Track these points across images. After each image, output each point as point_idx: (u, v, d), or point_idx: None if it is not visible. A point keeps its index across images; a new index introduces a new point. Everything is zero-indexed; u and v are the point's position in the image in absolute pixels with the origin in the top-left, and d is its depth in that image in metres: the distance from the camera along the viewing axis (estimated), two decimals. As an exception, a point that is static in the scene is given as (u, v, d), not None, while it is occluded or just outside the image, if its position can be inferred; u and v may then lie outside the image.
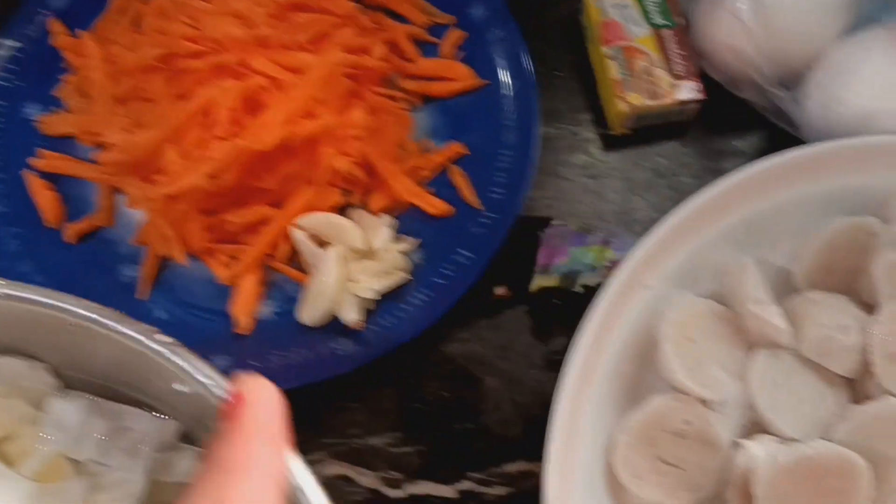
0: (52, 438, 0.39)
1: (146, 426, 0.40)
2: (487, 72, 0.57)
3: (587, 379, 0.48)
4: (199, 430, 0.40)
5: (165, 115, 0.50)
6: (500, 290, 0.55)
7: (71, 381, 0.40)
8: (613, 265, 0.53)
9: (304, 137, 0.49)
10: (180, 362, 0.34)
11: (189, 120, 0.49)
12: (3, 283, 0.35)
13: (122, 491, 0.39)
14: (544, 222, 0.56)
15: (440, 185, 0.55)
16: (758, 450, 0.45)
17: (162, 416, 0.40)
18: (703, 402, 0.47)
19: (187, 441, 0.40)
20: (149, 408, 0.40)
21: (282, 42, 0.51)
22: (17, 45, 0.57)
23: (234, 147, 0.47)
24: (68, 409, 0.39)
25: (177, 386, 0.35)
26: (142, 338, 0.35)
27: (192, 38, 0.50)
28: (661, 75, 0.57)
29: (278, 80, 0.50)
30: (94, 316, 0.35)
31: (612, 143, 0.59)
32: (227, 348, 0.51)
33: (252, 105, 0.50)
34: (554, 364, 0.53)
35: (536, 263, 0.53)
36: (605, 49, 0.58)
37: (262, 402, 0.29)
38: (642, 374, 0.49)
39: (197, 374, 0.34)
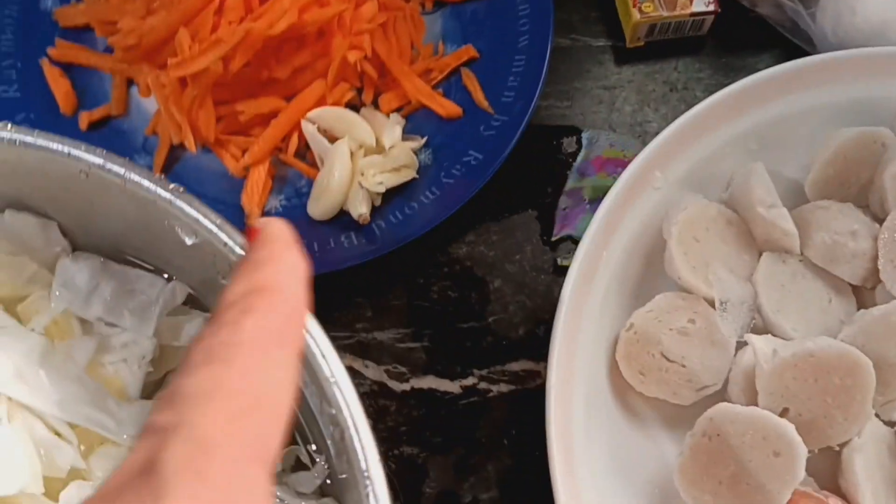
0: (61, 296, 0.39)
1: (155, 289, 0.40)
2: (503, -23, 0.57)
3: (592, 277, 0.48)
4: (208, 295, 0.40)
5: (178, 1, 0.50)
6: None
7: (81, 243, 0.41)
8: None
9: (314, 24, 0.49)
10: (188, 210, 0.34)
11: (202, 3, 0.49)
12: (14, 128, 0.35)
13: (130, 352, 0.40)
14: (559, 131, 0.56)
15: (452, 88, 0.55)
16: (762, 344, 0.45)
17: (171, 279, 0.40)
18: (709, 301, 0.47)
19: (196, 307, 0.41)
20: (158, 272, 0.40)
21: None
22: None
23: (245, 30, 0.47)
24: (78, 270, 0.40)
25: (187, 239, 0.36)
26: (150, 184, 0.35)
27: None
28: (679, -12, 0.57)
29: (292, -31, 0.50)
30: (103, 162, 0.35)
31: (626, 56, 0.58)
32: (236, 238, 0.51)
33: (266, -6, 0.50)
34: (562, 269, 0.53)
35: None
36: (622, -40, 0.58)
37: (279, 228, 0.29)
38: (648, 274, 0.50)
39: (206, 221, 0.34)
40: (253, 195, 0.51)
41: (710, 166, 0.51)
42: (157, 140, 0.53)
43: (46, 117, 0.53)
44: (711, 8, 0.56)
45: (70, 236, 0.40)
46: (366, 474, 0.31)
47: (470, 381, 0.51)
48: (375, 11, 0.52)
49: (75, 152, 0.35)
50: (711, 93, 0.57)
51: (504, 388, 0.50)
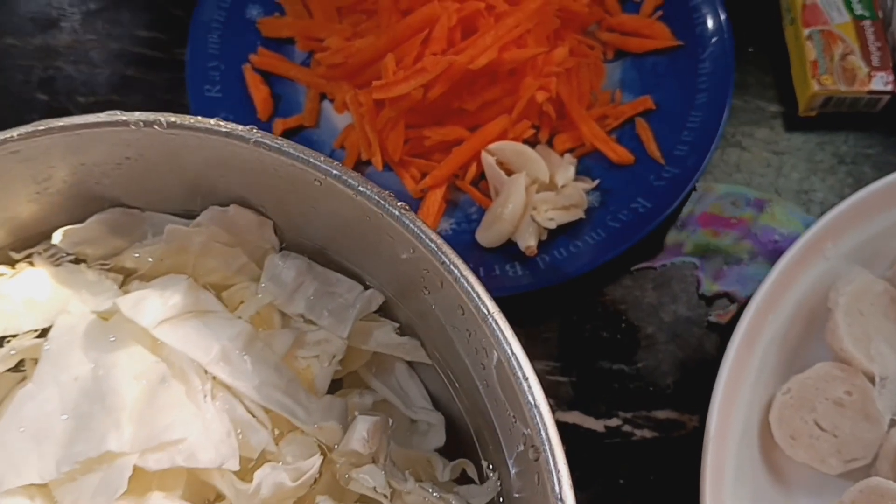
0: (268, 290, 0.42)
1: (354, 293, 0.42)
2: (685, 33, 0.59)
3: (756, 338, 0.49)
4: (401, 304, 0.42)
5: (387, 27, 0.53)
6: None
7: (289, 242, 0.43)
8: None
9: (511, 64, 0.52)
10: (412, 227, 0.37)
11: (409, 32, 0.52)
12: (259, 132, 0.38)
13: (322, 349, 0.42)
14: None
15: (625, 136, 0.57)
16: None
17: (370, 287, 0.42)
18: (867, 375, 0.48)
19: (385, 315, 0.43)
20: (357, 277, 0.43)
21: (502, -26, 0.54)
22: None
23: (449, 62, 0.50)
24: (286, 267, 0.42)
25: (402, 253, 0.38)
26: (379, 199, 0.37)
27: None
28: (857, 63, 0.58)
29: (494, 6, 0.53)
30: (339, 174, 0.37)
31: (796, 123, 0.59)
32: (407, 254, 0.53)
33: (467, 27, 0.53)
34: (715, 324, 0.54)
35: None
36: (804, 30, 0.59)
37: None
38: (808, 340, 0.50)
39: (427, 240, 0.36)
40: (428, 216, 0.53)
41: (880, 243, 0.51)
42: (343, 153, 0.56)
43: (243, 119, 0.56)
44: (890, 88, 0.57)
45: (280, 234, 0.43)
46: (559, 497, 0.33)
47: (614, 422, 0.52)
48: (566, 56, 0.54)
49: (315, 161, 0.38)
50: (880, 169, 0.58)
51: (648, 433, 0.52)
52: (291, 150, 0.38)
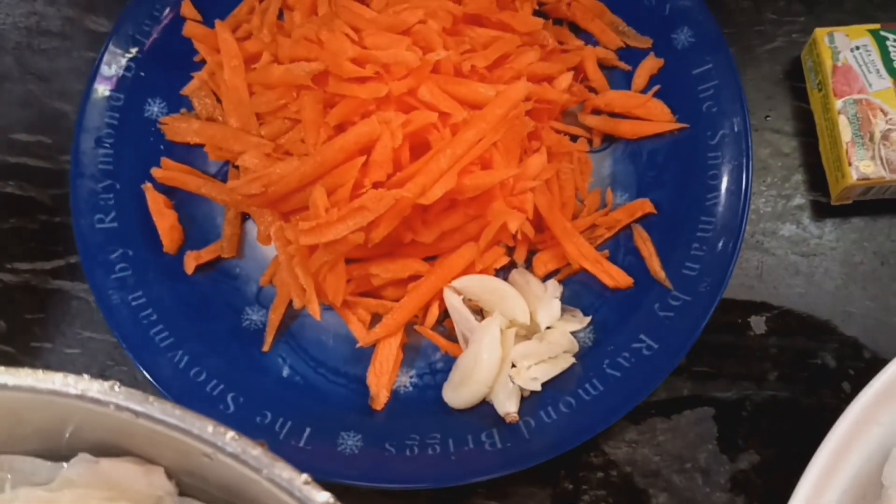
0: (163, 554, 0.32)
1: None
2: (689, 113, 0.47)
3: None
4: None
5: (314, 146, 0.41)
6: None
7: (188, 487, 0.33)
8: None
9: (474, 191, 0.41)
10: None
11: (343, 156, 0.40)
12: (120, 391, 0.28)
13: None
14: (743, 309, 0.47)
15: (620, 248, 0.46)
16: None
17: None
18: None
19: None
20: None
21: (456, 67, 0.42)
22: (144, 27, 0.49)
23: (393, 198, 0.39)
24: (183, 522, 0.32)
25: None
26: (293, 489, 0.27)
27: (357, 59, 0.41)
28: (904, 141, 0.47)
29: (450, 115, 0.41)
30: (235, 452, 0.27)
31: (829, 213, 0.49)
32: (359, 424, 0.43)
33: (417, 144, 0.41)
34: (742, 486, 0.44)
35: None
36: (836, 101, 0.48)
37: None
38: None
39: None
40: (381, 374, 0.43)
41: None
42: (273, 291, 0.45)
43: (148, 255, 0.45)
44: (947, 172, 0.46)
45: (176, 478, 0.33)
46: None
47: None
48: (544, 165, 0.43)
49: (202, 433, 0.27)
50: (931, 270, 0.48)
51: None
52: (167, 419, 0.28)
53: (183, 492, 0.33)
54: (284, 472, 0.27)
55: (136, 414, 0.28)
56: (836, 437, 0.39)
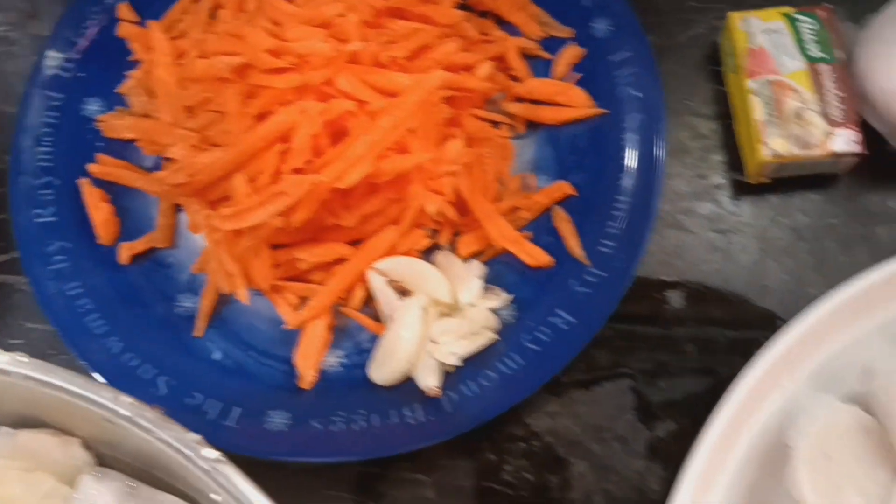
0: (79, 525, 0.34)
1: (185, 519, 0.34)
2: (607, 99, 0.49)
3: (707, 485, 0.41)
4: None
5: (237, 136, 0.43)
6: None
7: (106, 458, 0.35)
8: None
9: (390, 174, 0.42)
10: (222, 481, 0.28)
11: (263, 144, 0.42)
12: (26, 361, 0.30)
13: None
14: (661, 284, 0.48)
15: (541, 229, 0.48)
16: None
17: (203, 509, 0.34)
18: (838, 533, 0.40)
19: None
20: (188, 499, 0.34)
21: (375, 58, 0.44)
22: (83, 30, 0.51)
23: (311, 183, 0.40)
24: (102, 492, 0.34)
25: (213, 494, 0.30)
26: (184, 449, 0.28)
27: (274, 51, 0.43)
28: (814, 119, 0.48)
29: (367, 103, 0.43)
30: (132, 416, 0.29)
31: (745, 191, 0.50)
32: (287, 402, 0.45)
33: (336, 131, 0.43)
34: (657, 453, 0.46)
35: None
36: (749, 82, 0.49)
37: None
38: (771, 484, 0.42)
39: (238, 494, 0.28)
40: (308, 356, 0.45)
41: (846, 357, 0.43)
42: (204, 279, 0.47)
43: (85, 247, 0.47)
44: (856, 149, 0.48)
45: (94, 448, 0.35)
46: None
47: (544, 584, 0.44)
48: (461, 150, 0.45)
49: (102, 399, 0.29)
50: (844, 244, 0.50)
51: None
52: (69, 386, 0.30)
53: (101, 462, 0.35)
54: (176, 432, 0.29)
55: (41, 383, 0.30)
56: (735, 400, 0.40)
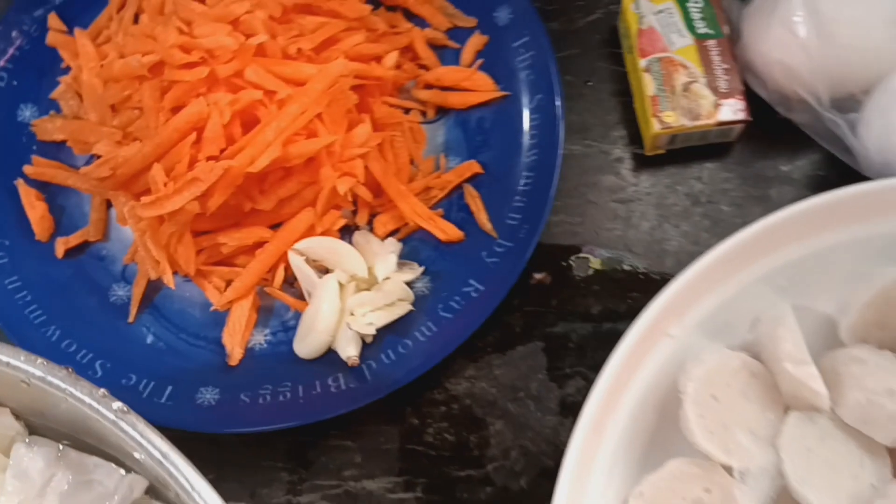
0: (14, 490, 0.36)
1: (113, 480, 0.37)
2: (510, 82, 0.52)
3: (602, 431, 0.43)
4: (167, 489, 0.37)
5: (154, 129, 0.46)
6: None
7: (37, 427, 0.38)
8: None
9: (298, 158, 0.45)
10: (131, 431, 0.31)
11: (178, 136, 0.45)
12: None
13: (85, 548, 0.37)
14: (568, 252, 0.51)
15: (453, 206, 0.51)
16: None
17: (130, 471, 0.37)
18: (727, 469, 0.43)
19: (157, 497, 0.38)
20: (117, 462, 0.37)
21: (283, 51, 0.47)
22: (15, 40, 0.54)
23: (223, 168, 0.43)
24: (33, 457, 0.37)
25: (134, 453, 0.32)
26: (94, 403, 0.31)
27: (184, 47, 0.46)
28: (703, 92, 0.52)
29: (275, 92, 0.46)
30: (44, 375, 0.32)
31: (645, 163, 0.54)
32: (217, 379, 0.47)
33: (248, 121, 0.46)
34: (570, 408, 0.49)
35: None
36: (641, 61, 0.53)
37: None
38: (665, 429, 0.45)
39: (147, 444, 0.31)
40: (235, 334, 0.48)
41: (735, 305, 0.46)
42: (136, 268, 0.50)
43: (23, 243, 0.50)
44: (741, 116, 0.51)
45: (25, 418, 0.37)
46: None
47: (467, 536, 0.47)
48: (369, 134, 0.48)
49: (13, 362, 0.32)
50: (737, 206, 0.53)
51: (504, 544, 0.47)
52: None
53: (33, 431, 0.38)
54: (84, 389, 0.31)
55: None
56: (625, 347, 0.43)
